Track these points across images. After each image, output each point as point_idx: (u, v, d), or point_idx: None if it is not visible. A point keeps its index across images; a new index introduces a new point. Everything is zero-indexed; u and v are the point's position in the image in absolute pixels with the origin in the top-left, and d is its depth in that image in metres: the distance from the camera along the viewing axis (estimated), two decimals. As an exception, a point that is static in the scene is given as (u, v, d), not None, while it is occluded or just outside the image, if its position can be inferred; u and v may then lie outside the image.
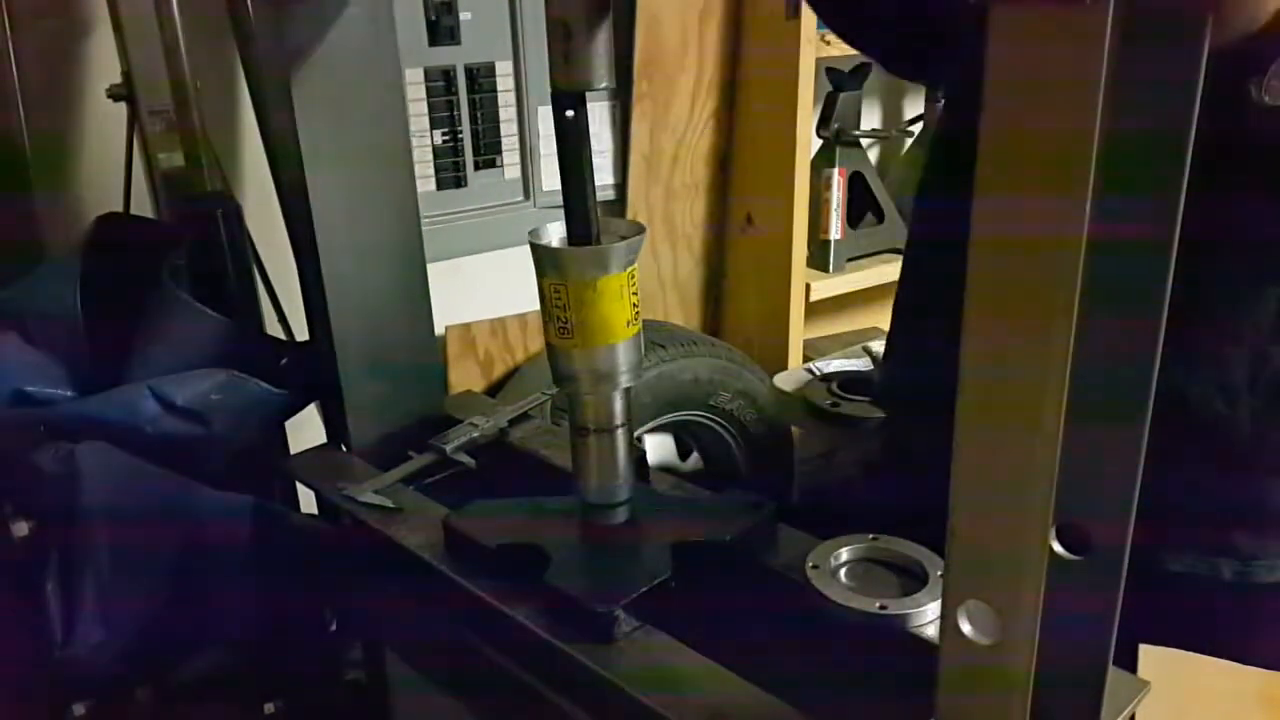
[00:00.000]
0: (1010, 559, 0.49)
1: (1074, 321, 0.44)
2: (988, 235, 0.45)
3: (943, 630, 0.53)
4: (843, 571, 0.76)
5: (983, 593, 0.51)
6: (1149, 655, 0.75)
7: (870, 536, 0.78)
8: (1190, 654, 0.78)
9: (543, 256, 0.76)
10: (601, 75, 0.71)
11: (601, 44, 0.70)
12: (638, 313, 0.79)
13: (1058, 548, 0.51)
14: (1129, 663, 0.69)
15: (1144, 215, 0.44)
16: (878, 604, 0.71)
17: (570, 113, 0.73)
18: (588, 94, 0.73)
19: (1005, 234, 0.45)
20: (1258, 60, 0.61)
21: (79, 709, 1.03)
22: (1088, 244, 0.43)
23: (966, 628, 0.51)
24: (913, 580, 0.74)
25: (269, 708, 1.15)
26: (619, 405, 0.81)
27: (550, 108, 0.73)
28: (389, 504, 0.92)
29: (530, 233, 0.77)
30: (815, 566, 0.75)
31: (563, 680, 0.76)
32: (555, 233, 0.78)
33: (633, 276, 0.77)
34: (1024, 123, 0.42)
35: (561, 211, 0.77)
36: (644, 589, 0.75)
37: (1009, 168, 0.43)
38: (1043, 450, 0.46)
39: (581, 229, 0.76)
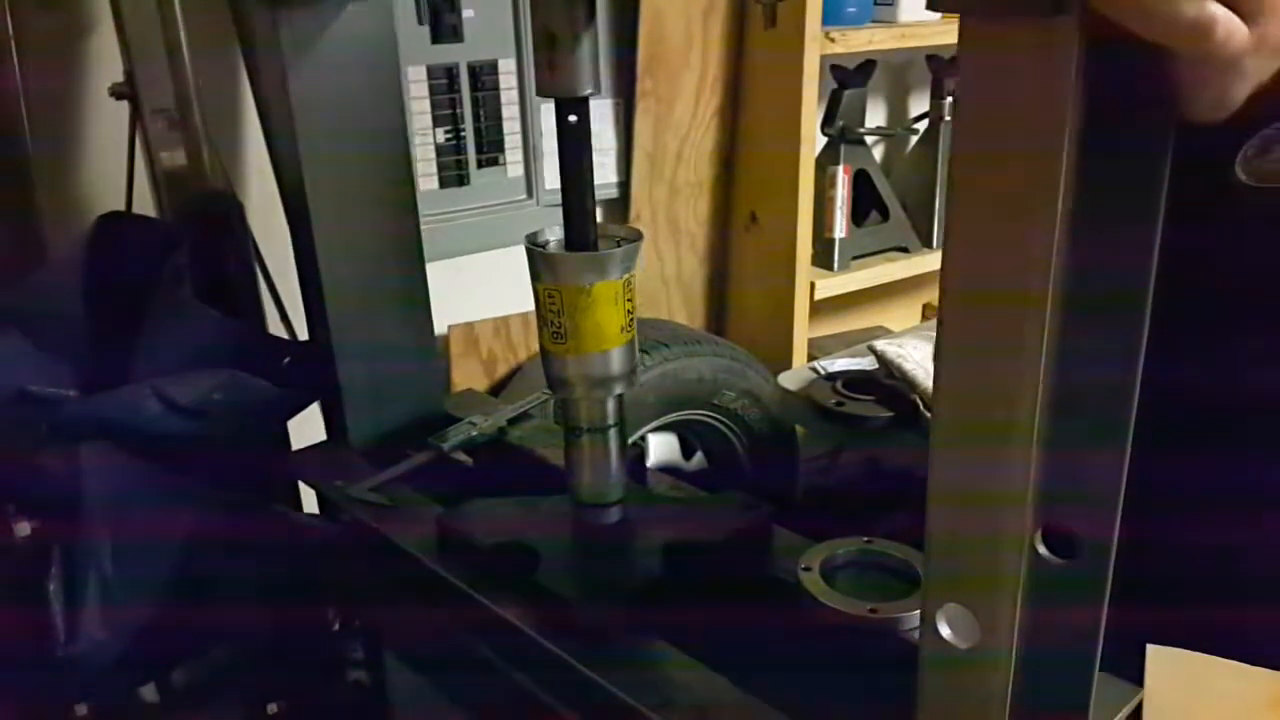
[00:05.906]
0: (988, 561, 0.49)
1: (1048, 317, 0.44)
2: (960, 235, 0.45)
3: (921, 634, 0.52)
4: (835, 574, 0.76)
5: (961, 596, 0.50)
6: (1157, 656, 0.74)
7: (864, 539, 0.78)
8: (1198, 655, 0.77)
9: (538, 260, 0.76)
10: (585, 83, 0.71)
11: (586, 52, 0.70)
12: (632, 320, 0.78)
13: (1043, 551, 0.50)
14: (1137, 664, 0.69)
15: (1120, 245, 0.44)
16: (868, 607, 0.71)
17: (573, 118, 0.73)
18: (590, 96, 0.73)
19: (978, 235, 0.45)
20: (1233, 142, 0.59)
21: (81, 709, 1.03)
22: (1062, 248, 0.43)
23: (945, 631, 0.51)
24: (905, 583, 0.74)
25: (272, 708, 1.15)
26: (611, 406, 0.81)
27: (552, 105, 0.73)
28: (384, 501, 0.92)
29: (526, 236, 0.77)
30: (807, 569, 0.75)
31: (553, 681, 0.77)
32: (551, 236, 0.78)
33: (629, 283, 0.77)
34: (994, 142, 0.42)
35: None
36: (634, 591, 0.75)
37: (983, 179, 0.43)
38: (1018, 449, 0.46)
39: (578, 233, 0.76)
